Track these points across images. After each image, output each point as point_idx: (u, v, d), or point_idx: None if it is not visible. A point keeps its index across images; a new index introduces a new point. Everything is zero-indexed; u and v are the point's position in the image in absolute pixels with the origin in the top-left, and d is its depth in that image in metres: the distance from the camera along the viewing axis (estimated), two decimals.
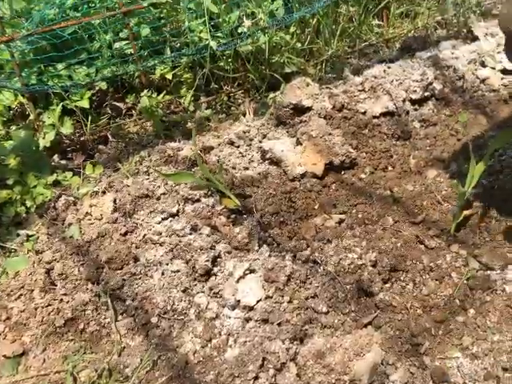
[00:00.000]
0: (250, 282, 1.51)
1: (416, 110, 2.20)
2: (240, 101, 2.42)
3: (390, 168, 2.00)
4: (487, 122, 2.15)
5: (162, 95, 2.20)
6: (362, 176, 1.95)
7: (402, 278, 1.52)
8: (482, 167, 1.61)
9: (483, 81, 2.27)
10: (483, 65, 2.31)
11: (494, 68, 2.28)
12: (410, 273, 1.54)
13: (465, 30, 2.49)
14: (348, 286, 1.49)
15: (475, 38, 2.44)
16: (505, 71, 2.28)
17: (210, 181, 1.78)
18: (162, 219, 1.74)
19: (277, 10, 2.30)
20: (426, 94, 2.21)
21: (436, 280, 1.53)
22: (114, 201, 1.78)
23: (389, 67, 2.25)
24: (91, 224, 1.75)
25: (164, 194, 1.80)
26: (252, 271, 1.54)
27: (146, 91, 2.15)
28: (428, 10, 2.62)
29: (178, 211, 1.75)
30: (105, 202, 1.79)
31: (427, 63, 2.29)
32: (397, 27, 2.62)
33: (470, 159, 1.64)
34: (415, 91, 2.18)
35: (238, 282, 1.51)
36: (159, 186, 1.82)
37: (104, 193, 1.83)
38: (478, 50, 2.35)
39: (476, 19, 2.49)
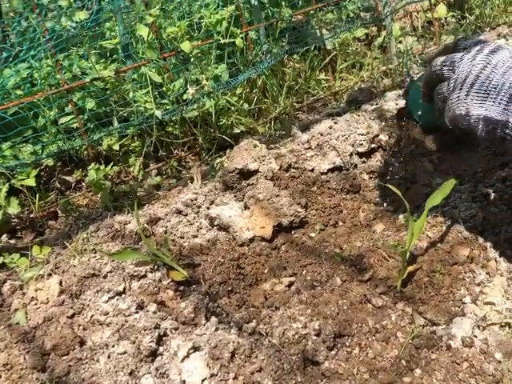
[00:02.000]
0: (194, 360, 1.47)
1: (364, 162, 2.21)
2: (190, 164, 2.42)
3: (340, 223, 1.99)
4: (434, 168, 2.17)
5: (109, 166, 2.20)
6: (312, 235, 1.94)
7: (347, 344, 1.50)
8: (420, 224, 1.61)
9: None
10: None
11: None
12: (355, 337, 1.52)
13: (408, 80, 2.53)
14: (293, 357, 1.46)
15: None
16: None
17: (155, 255, 1.76)
18: (109, 298, 1.71)
19: (221, 74, 2.33)
20: (373, 145, 2.22)
21: (382, 341, 1.51)
22: (60, 283, 1.76)
23: (335, 122, 2.27)
24: (37, 309, 1.72)
25: (110, 271, 1.78)
26: (197, 349, 1.51)
27: (93, 164, 2.14)
28: (373, 60, 2.66)
29: (124, 289, 1.72)
30: (51, 284, 1.76)
31: (372, 116, 2.32)
32: (344, 80, 2.66)
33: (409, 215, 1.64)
34: (361, 144, 2.20)
35: (182, 361, 1.48)
36: (106, 264, 1.80)
37: (50, 275, 1.81)
38: None
39: (417, 69, 2.53)
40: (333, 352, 1.48)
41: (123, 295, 1.72)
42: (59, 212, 2.16)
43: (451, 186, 1.64)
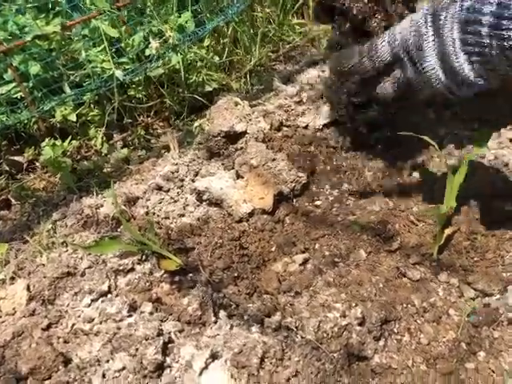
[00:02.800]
0: (214, 372, 1.20)
1: (363, 113, 1.94)
2: (159, 131, 2.10)
3: (346, 186, 1.73)
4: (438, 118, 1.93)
5: (67, 141, 1.85)
6: (318, 202, 1.68)
7: (395, 330, 1.26)
8: (459, 180, 1.37)
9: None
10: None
11: None
12: (402, 321, 1.28)
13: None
14: (335, 355, 1.20)
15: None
16: None
17: (141, 243, 1.46)
18: (92, 301, 1.40)
19: (186, 23, 2.00)
20: None
21: (434, 322, 1.28)
22: (28, 287, 1.43)
23: (323, 71, 1.99)
24: (2, 322, 1.39)
25: (89, 267, 1.46)
26: (215, 356, 1.23)
27: (47, 140, 1.79)
28: None
29: (109, 288, 1.41)
30: (16, 290, 1.43)
31: None
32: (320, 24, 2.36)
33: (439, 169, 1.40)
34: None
35: (200, 374, 1.20)
36: (81, 259, 1.48)
37: (13, 279, 1.47)
38: None
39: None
40: (381, 343, 1.24)
41: (109, 295, 1.41)
42: (12, 199, 1.80)
43: (489, 135, 1.40)
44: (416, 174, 1.71)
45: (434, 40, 1.16)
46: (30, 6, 1.91)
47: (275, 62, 2.25)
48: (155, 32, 1.97)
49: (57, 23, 1.82)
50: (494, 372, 1.19)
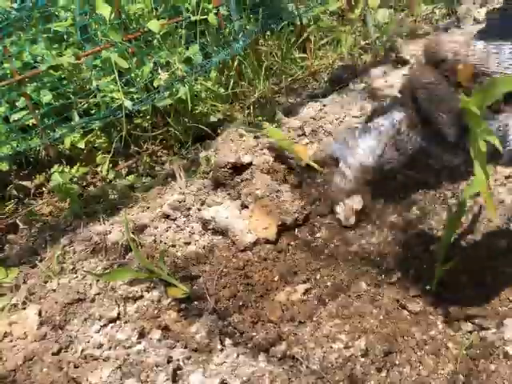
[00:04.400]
0: None
1: None
2: (164, 158, 2.15)
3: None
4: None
5: (75, 168, 1.91)
6: (319, 234, 1.73)
7: (396, 362, 1.30)
8: (459, 217, 1.43)
9: None
10: None
11: None
12: (403, 353, 1.32)
13: (393, 54, 2.34)
14: None
15: (405, 62, 2.29)
16: None
17: (150, 271, 1.51)
18: (101, 327, 1.44)
19: (194, 56, 2.06)
20: None
21: (433, 355, 1.33)
22: (39, 313, 1.47)
23: (324, 105, 2.06)
24: (14, 346, 1.42)
25: (98, 294, 1.51)
26: None
27: (56, 166, 1.84)
28: (351, 35, 2.46)
29: (118, 314, 1.46)
30: (28, 315, 1.47)
31: (362, 95, 2.12)
32: (321, 58, 2.44)
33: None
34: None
35: None
36: (91, 285, 1.53)
37: (25, 303, 1.51)
38: None
39: (403, 42, 2.36)
40: (383, 374, 1.28)
41: (118, 322, 1.45)
42: (20, 224, 1.84)
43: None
44: (414, 210, 1.76)
45: None
46: (44, 36, 1.96)
47: (278, 95, 2.32)
48: (163, 64, 2.04)
49: (70, 54, 1.88)
50: None
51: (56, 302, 1.48)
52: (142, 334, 1.41)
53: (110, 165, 2.01)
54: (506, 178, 1.75)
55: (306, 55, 2.42)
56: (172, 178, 1.95)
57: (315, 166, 1.81)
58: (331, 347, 1.31)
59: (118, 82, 1.92)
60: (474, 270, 1.49)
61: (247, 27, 2.22)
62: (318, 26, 2.44)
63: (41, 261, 1.68)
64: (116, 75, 1.91)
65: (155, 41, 2.10)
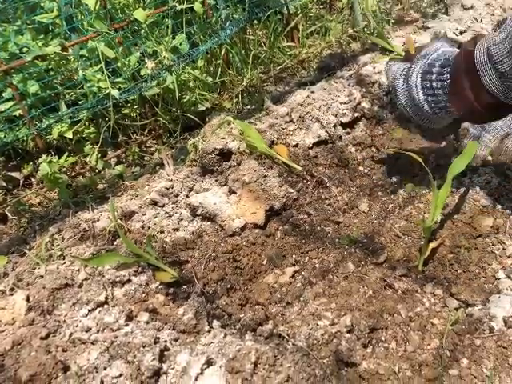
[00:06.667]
0: (210, 377, 1.24)
1: (348, 133, 2.02)
2: (153, 148, 2.16)
3: (333, 201, 1.80)
4: (422, 135, 2.00)
5: (63, 158, 1.90)
6: (305, 216, 1.73)
7: (382, 338, 1.31)
8: (444, 195, 1.44)
9: None
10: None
11: None
12: (389, 329, 1.33)
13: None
14: (325, 361, 1.25)
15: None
16: None
17: (138, 256, 1.51)
18: (89, 311, 1.44)
19: (180, 44, 2.07)
20: (356, 114, 2.04)
21: (419, 331, 1.33)
22: (27, 298, 1.47)
23: (312, 92, 2.06)
24: (2, 332, 1.42)
25: (86, 279, 1.50)
26: (210, 363, 1.27)
27: (44, 156, 1.84)
28: (339, 23, 2.47)
29: (106, 298, 1.46)
30: (16, 301, 1.47)
31: (351, 82, 2.13)
32: (309, 46, 2.45)
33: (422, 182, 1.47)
34: (345, 114, 2.00)
35: (196, 379, 1.24)
36: (79, 270, 1.52)
37: (13, 290, 1.51)
38: None
39: (391, 28, 2.36)
40: (368, 350, 1.29)
41: (106, 306, 1.45)
42: (9, 214, 1.84)
43: (474, 148, 1.47)
44: (402, 190, 1.77)
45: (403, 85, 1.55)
46: (29, 26, 1.96)
47: (266, 83, 2.32)
48: (150, 53, 2.04)
49: (56, 44, 1.88)
50: (476, 378, 1.24)
51: (44, 288, 1.47)
52: (129, 317, 1.41)
53: (99, 155, 2.01)
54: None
55: (294, 44, 2.43)
56: (161, 166, 1.96)
57: (294, 166, 1.81)
58: (317, 324, 1.32)
59: (104, 71, 1.92)
60: (459, 248, 1.49)
61: (234, 16, 2.22)
62: (306, 14, 2.45)
63: (30, 249, 1.68)
64: (103, 65, 1.91)
65: (142, 31, 2.10)
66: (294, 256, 1.61)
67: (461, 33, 2.40)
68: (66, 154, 1.93)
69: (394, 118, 2.08)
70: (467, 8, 2.55)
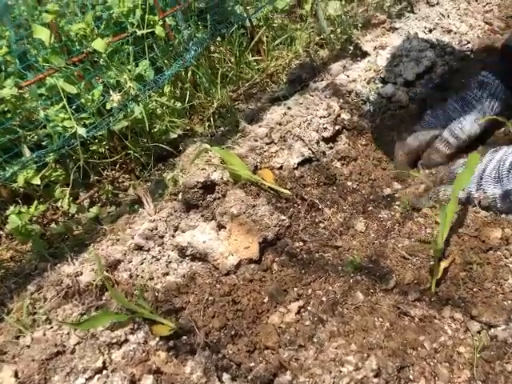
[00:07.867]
0: None
1: (331, 148, 1.94)
2: (126, 184, 2.03)
3: (327, 224, 1.71)
4: None
5: (33, 206, 1.75)
6: (301, 244, 1.64)
7: (411, 377, 1.22)
8: (452, 212, 1.36)
9: (389, 99, 2.05)
10: (384, 81, 2.10)
11: (395, 83, 2.08)
12: (416, 365, 1.24)
13: (351, 47, 2.26)
14: None
15: (365, 54, 2.22)
16: (407, 83, 2.09)
17: (131, 311, 1.39)
18: (87, 380, 1.31)
19: (145, 72, 1.94)
20: (337, 127, 1.95)
21: (446, 363, 1.25)
22: (16, 374, 1.33)
23: (289, 108, 1.96)
24: None
25: (78, 343, 1.38)
26: None
27: (12, 207, 1.70)
28: (304, 32, 2.37)
29: (104, 363, 1.33)
30: (3, 379, 1.33)
31: (327, 94, 2.04)
32: (277, 58, 2.35)
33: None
34: (326, 128, 1.92)
35: None
36: (68, 335, 1.39)
37: None
38: (372, 67, 2.14)
39: (360, 34, 2.28)
40: None
41: (105, 372, 1.32)
42: None
43: (476, 161, 1.40)
44: (395, 204, 1.70)
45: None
46: None
47: (237, 102, 2.22)
48: (114, 84, 1.91)
49: (11, 85, 1.73)
50: None
51: (33, 360, 1.34)
52: (132, 382, 1.29)
53: (71, 198, 1.87)
54: None
55: (260, 57, 2.32)
56: (139, 204, 1.83)
57: (282, 190, 1.72)
58: (340, 371, 1.22)
59: (67, 109, 1.78)
60: (471, 265, 1.42)
61: (197, 35, 2.10)
62: (269, 25, 2.35)
63: (8, 313, 1.54)
64: (65, 102, 1.77)
65: (102, 61, 1.96)
66: (295, 289, 1.51)
67: (430, 31, 2.34)
68: (36, 201, 1.79)
69: (376, 126, 2.01)
70: (433, 4, 2.50)
